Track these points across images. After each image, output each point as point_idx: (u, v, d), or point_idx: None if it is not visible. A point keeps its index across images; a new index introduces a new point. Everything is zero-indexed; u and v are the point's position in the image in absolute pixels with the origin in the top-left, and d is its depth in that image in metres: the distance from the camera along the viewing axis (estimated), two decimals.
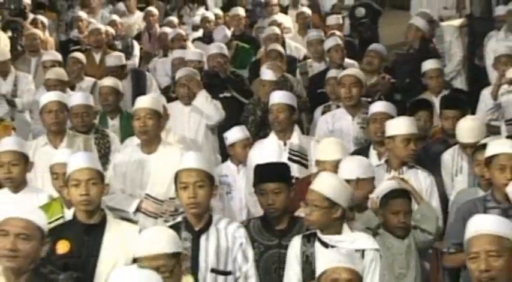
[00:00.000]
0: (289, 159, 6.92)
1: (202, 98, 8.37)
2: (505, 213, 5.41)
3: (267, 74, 8.75)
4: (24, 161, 6.25)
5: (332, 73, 9.02)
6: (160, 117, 6.88)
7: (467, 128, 6.97)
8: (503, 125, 8.53)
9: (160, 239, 4.54)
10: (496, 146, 5.88)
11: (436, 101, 8.57)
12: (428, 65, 9.10)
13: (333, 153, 6.45)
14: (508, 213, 5.45)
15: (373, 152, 7.17)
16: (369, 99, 8.55)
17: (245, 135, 7.74)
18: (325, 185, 5.39)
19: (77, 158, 5.55)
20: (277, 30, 11.42)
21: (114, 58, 9.92)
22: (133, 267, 3.80)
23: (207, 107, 8.34)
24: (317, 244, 5.27)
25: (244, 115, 8.73)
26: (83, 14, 13.64)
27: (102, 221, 5.35)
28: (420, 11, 11.57)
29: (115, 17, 13.37)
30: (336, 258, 4.55)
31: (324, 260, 4.60)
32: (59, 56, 10.26)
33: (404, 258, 5.91)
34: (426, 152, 7.32)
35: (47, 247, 4.59)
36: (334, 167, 6.28)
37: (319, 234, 5.32)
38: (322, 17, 13.52)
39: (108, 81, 8.74)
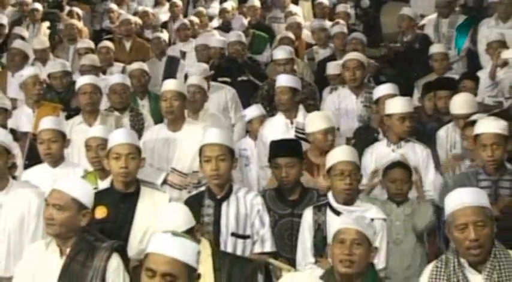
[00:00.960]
0: (296, 136, 6.89)
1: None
2: (495, 185, 5.46)
3: (277, 54, 8.69)
4: (62, 138, 6.21)
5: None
6: (185, 99, 6.86)
7: (460, 101, 6.96)
8: (504, 101, 8.50)
9: (176, 217, 4.59)
10: (480, 125, 5.86)
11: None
12: (435, 48, 9.08)
13: (319, 123, 6.46)
14: (498, 185, 5.49)
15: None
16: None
17: (261, 113, 7.73)
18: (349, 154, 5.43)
19: (118, 134, 5.57)
20: (298, 19, 11.43)
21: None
22: (169, 234, 3.84)
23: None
24: (329, 213, 5.29)
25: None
26: (114, 6, 13.62)
27: (137, 190, 5.38)
28: None
29: (148, 8, 13.34)
30: (344, 220, 4.59)
31: (335, 222, 4.66)
32: (92, 44, 10.29)
33: (402, 224, 5.89)
34: (422, 129, 7.30)
35: (87, 217, 4.61)
36: (323, 135, 6.34)
37: (334, 204, 5.33)
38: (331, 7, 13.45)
39: (138, 65, 8.75)
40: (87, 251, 4.51)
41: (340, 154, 5.42)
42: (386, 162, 6.16)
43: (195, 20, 12.11)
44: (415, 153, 6.62)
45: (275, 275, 4.37)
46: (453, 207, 4.22)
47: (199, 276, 3.77)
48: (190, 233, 4.53)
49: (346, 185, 5.29)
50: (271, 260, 4.52)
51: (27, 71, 8.10)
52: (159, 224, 4.50)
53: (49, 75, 8.60)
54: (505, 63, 8.70)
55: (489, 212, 4.20)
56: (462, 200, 4.20)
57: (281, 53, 8.57)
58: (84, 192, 4.66)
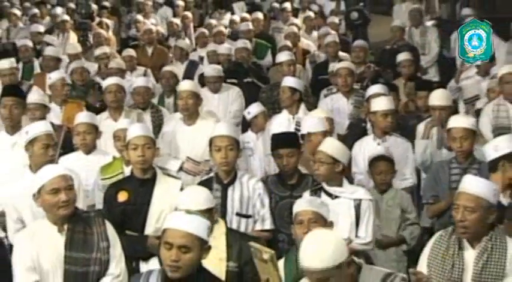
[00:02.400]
0: (296, 129, 6.84)
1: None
2: (465, 172, 5.40)
3: (281, 57, 8.73)
4: (95, 130, 6.28)
5: (332, 67, 8.92)
6: (198, 97, 6.87)
7: (437, 94, 6.90)
8: (461, 103, 8.49)
9: (198, 197, 4.54)
10: (451, 121, 5.93)
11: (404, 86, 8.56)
12: (402, 56, 8.99)
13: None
14: (467, 172, 5.42)
15: (369, 124, 7.07)
16: (359, 84, 8.57)
17: (262, 109, 7.70)
18: (329, 146, 5.42)
19: (135, 127, 5.60)
20: (295, 29, 11.41)
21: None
22: (183, 212, 3.83)
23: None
24: (323, 195, 5.26)
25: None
26: (139, 17, 13.63)
27: (153, 177, 5.36)
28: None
29: (173, 19, 13.27)
30: (300, 204, 4.67)
31: (295, 205, 4.71)
32: (108, 50, 10.26)
33: (384, 211, 5.87)
34: (404, 125, 7.24)
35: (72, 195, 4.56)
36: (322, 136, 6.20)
37: (325, 187, 5.33)
38: (325, 19, 13.42)
39: (169, 68, 8.76)
40: (83, 223, 4.51)
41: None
42: (372, 155, 6.14)
43: (214, 29, 12.04)
44: (397, 146, 6.58)
45: (255, 256, 4.35)
46: (459, 190, 4.27)
47: (209, 248, 3.80)
48: (210, 212, 4.49)
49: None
50: (252, 243, 4.50)
51: (55, 74, 8.07)
52: (183, 203, 4.45)
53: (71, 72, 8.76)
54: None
55: (485, 203, 4.16)
56: (464, 185, 4.24)
57: (285, 55, 8.64)
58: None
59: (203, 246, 3.72)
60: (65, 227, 4.48)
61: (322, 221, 4.52)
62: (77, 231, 4.47)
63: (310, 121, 6.41)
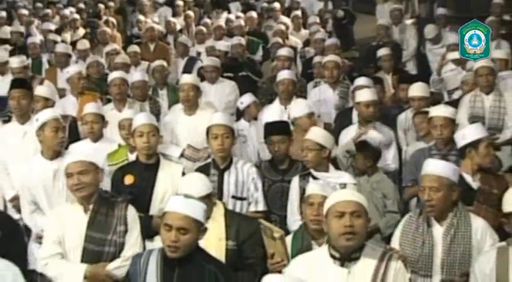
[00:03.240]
0: (288, 118, 6.79)
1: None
2: (444, 158, 5.40)
3: (282, 51, 8.76)
4: (101, 120, 6.27)
5: (317, 58, 8.94)
6: (198, 90, 6.87)
7: (416, 87, 6.97)
8: (446, 94, 8.48)
9: (197, 185, 4.50)
10: (433, 110, 5.94)
11: (388, 78, 8.59)
12: (383, 51, 8.99)
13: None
14: (446, 158, 5.42)
15: (355, 113, 6.98)
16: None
17: (255, 99, 7.66)
18: (315, 134, 5.42)
19: (141, 116, 5.60)
20: (282, 27, 11.36)
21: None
22: (182, 197, 3.83)
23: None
24: (311, 180, 5.23)
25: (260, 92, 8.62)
26: (142, 17, 13.61)
27: (157, 162, 5.37)
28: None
29: (171, 18, 13.20)
30: (313, 187, 4.63)
31: (309, 187, 4.67)
32: (116, 47, 10.34)
33: (367, 194, 5.75)
34: (386, 115, 7.21)
35: (102, 175, 4.65)
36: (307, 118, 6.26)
37: (313, 172, 5.32)
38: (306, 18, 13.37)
39: (160, 62, 8.70)
40: (106, 205, 4.53)
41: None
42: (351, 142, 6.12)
43: (207, 27, 12.04)
44: (382, 133, 6.51)
45: (265, 233, 4.36)
46: (422, 173, 4.32)
47: (205, 229, 3.82)
48: (209, 197, 4.48)
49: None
50: (263, 221, 4.51)
51: (73, 68, 8.10)
52: (183, 189, 4.42)
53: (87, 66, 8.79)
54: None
55: (447, 181, 4.23)
56: (427, 168, 4.30)
57: (284, 50, 8.71)
58: (98, 157, 4.72)
59: (200, 228, 3.74)
60: (90, 207, 4.51)
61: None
62: (100, 212, 4.50)
63: (296, 107, 6.44)
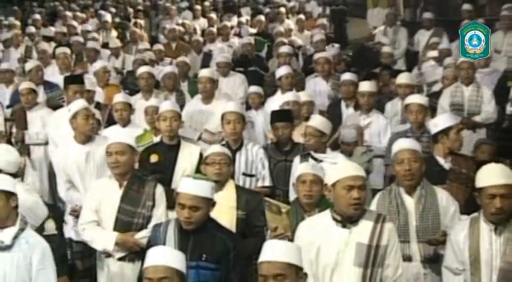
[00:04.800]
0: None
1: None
2: (418, 139, 5.45)
3: (283, 48, 8.74)
4: (129, 107, 6.24)
5: (316, 56, 8.80)
6: (215, 82, 6.85)
7: (403, 75, 7.08)
8: (425, 86, 8.45)
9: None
10: (408, 98, 6.01)
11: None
12: (385, 49, 9.17)
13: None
14: (419, 139, 5.48)
15: (343, 104, 7.07)
16: None
17: (257, 90, 7.44)
18: (316, 121, 5.42)
19: (166, 103, 5.62)
20: (282, 29, 11.38)
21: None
22: (191, 178, 3.79)
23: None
24: (310, 160, 5.23)
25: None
26: (166, 24, 13.47)
27: (178, 143, 5.35)
28: None
29: (188, 21, 13.17)
30: (304, 167, 4.62)
31: (300, 168, 4.65)
32: (148, 45, 10.31)
33: None
34: (382, 104, 7.22)
35: (137, 158, 4.65)
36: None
37: (312, 153, 5.31)
38: (313, 21, 13.30)
39: (182, 58, 8.68)
40: (138, 183, 4.53)
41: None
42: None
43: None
44: (378, 121, 6.55)
45: (269, 208, 4.36)
46: (395, 149, 4.33)
47: (214, 203, 3.79)
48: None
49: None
50: (268, 199, 4.51)
51: (99, 64, 8.11)
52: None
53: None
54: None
55: (419, 154, 4.30)
56: (401, 145, 4.34)
57: (285, 48, 8.69)
58: (133, 140, 4.70)
59: (209, 203, 3.72)
60: (124, 183, 4.51)
61: (320, 182, 4.38)
62: (132, 188, 4.50)
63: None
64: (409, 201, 4.23)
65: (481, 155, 5.85)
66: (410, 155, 4.23)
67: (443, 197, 4.26)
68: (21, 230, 3.71)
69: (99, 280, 4.65)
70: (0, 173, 4.27)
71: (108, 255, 4.50)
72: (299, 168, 4.64)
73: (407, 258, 4.14)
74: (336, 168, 3.70)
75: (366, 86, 6.64)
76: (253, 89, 7.56)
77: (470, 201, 4.22)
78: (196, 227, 3.70)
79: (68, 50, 8.69)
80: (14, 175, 4.58)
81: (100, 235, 4.49)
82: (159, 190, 4.55)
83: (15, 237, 3.67)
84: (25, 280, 3.68)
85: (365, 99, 6.56)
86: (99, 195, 4.55)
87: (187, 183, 3.70)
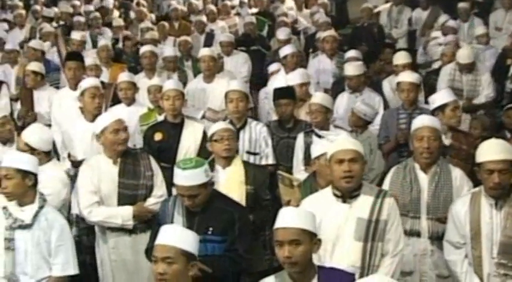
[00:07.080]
0: None
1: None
2: (409, 116, 5.46)
3: (281, 34, 8.64)
4: (134, 87, 6.18)
5: (319, 34, 8.78)
6: (216, 60, 6.81)
7: (399, 54, 7.09)
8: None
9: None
10: (400, 76, 5.97)
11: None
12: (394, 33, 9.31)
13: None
14: (411, 116, 5.44)
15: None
16: None
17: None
18: (321, 98, 5.43)
19: (169, 82, 5.60)
20: (284, 8, 11.31)
21: None
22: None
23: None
24: (314, 137, 5.23)
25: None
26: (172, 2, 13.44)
27: (182, 122, 5.35)
28: None
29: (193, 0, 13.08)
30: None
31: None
32: (150, 25, 10.23)
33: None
34: (377, 83, 7.18)
35: (127, 134, 4.55)
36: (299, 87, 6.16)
37: (316, 130, 5.30)
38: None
39: (184, 37, 8.65)
40: (132, 157, 4.52)
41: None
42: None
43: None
44: (372, 98, 6.48)
45: (282, 181, 4.35)
46: (416, 125, 4.28)
47: (213, 183, 3.77)
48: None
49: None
50: (281, 172, 4.50)
51: (101, 42, 8.14)
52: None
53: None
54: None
55: (439, 132, 4.27)
56: (423, 121, 4.28)
57: (282, 33, 8.59)
58: (131, 122, 4.75)
59: (208, 185, 3.68)
60: (118, 160, 4.49)
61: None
62: (128, 163, 4.48)
63: (292, 76, 6.42)
64: (423, 178, 4.20)
65: (474, 132, 5.85)
66: (430, 133, 4.19)
67: (458, 176, 4.20)
68: (41, 207, 3.80)
69: (101, 254, 4.60)
70: (35, 151, 4.38)
71: (113, 229, 4.45)
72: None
73: (416, 234, 4.15)
74: (331, 144, 3.69)
75: (351, 70, 6.50)
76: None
77: (471, 177, 4.21)
78: (200, 207, 3.70)
79: (84, 34, 8.74)
80: (48, 153, 4.62)
81: (114, 212, 4.42)
82: (152, 159, 4.57)
83: (35, 215, 3.75)
84: (45, 257, 3.79)
85: (353, 82, 6.46)
86: (95, 174, 4.47)
87: (179, 176, 3.64)
